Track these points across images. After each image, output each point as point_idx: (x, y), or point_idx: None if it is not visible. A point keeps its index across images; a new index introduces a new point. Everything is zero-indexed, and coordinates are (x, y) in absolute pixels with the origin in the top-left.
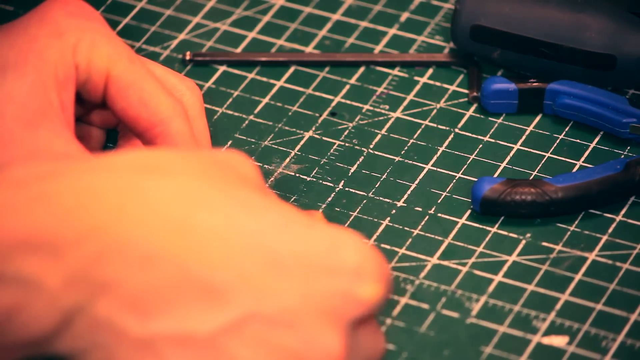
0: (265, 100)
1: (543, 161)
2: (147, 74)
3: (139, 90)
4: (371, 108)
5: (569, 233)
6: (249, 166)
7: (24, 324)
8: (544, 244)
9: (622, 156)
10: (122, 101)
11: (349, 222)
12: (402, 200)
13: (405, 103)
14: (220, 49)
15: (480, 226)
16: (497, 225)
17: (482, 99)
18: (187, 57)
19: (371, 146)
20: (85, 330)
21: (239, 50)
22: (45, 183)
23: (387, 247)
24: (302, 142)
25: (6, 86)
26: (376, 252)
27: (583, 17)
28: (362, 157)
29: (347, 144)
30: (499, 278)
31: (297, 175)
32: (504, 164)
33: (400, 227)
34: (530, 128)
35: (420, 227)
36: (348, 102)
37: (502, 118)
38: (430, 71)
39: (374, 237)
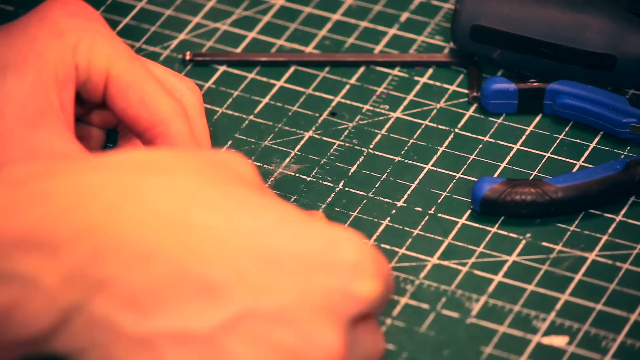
0: (265, 100)
1: (543, 161)
2: (147, 74)
3: (139, 90)
4: (371, 108)
5: (569, 233)
6: (246, 166)
7: (22, 322)
8: (544, 244)
9: (622, 156)
10: (122, 101)
11: (349, 222)
12: (402, 200)
13: (405, 103)
14: (220, 49)
15: (480, 226)
16: (497, 225)
17: (482, 99)
18: (187, 57)
19: (371, 146)
20: (83, 329)
21: (239, 50)
22: (43, 182)
23: (387, 247)
24: (302, 142)
25: (6, 86)
26: (374, 249)
27: (583, 17)
28: (362, 157)
29: (347, 144)
30: (499, 278)
31: (297, 175)
32: (504, 164)
33: (400, 227)
34: (530, 128)
35: (420, 227)
36: (348, 102)
37: (502, 118)
38: (430, 71)
39: (374, 237)
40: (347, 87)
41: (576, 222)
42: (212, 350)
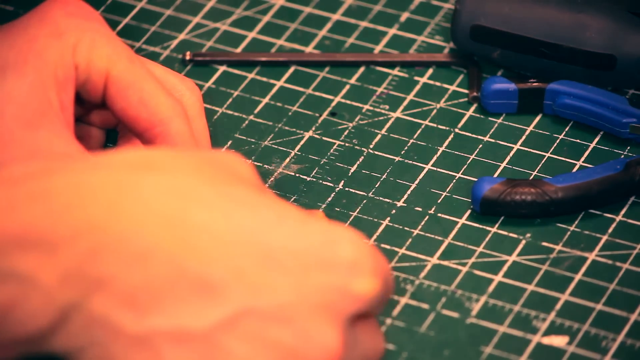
0: (265, 100)
1: (543, 161)
2: (147, 74)
3: (139, 90)
4: (371, 108)
5: (569, 233)
6: (245, 166)
7: (20, 321)
8: (544, 244)
9: (622, 156)
10: (122, 101)
11: (349, 222)
12: (402, 200)
13: (405, 103)
14: (220, 49)
15: (480, 226)
16: (497, 225)
17: (482, 99)
18: (187, 57)
19: (371, 146)
20: (81, 328)
21: (239, 50)
22: (41, 180)
23: (387, 247)
24: (302, 142)
25: (6, 86)
26: (373, 247)
27: (583, 17)
28: (362, 157)
29: (347, 144)
30: (499, 278)
31: (297, 175)
32: (504, 164)
33: (400, 227)
34: (530, 128)
35: (420, 227)
36: (348, 102)
37: (502, 118)
38: (430, 71)
39: (374, 237)
40: (347, 87)
41: (576, 222)
42: (210, 348)
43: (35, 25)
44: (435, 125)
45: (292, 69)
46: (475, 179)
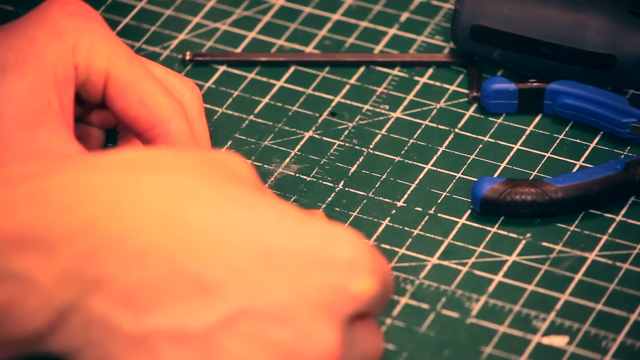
0: (265, 100)
1: (543, 161)
2: (147, 75)
3: (139, 90)
4: (371, 108)
5: (569, 233)
6: (244, 165)
7: (18, 320)
8: (544, 244)
9: (622, 156)
10: (122, 102)
11: (349, 222)
12: (402, 200)
13: (405, 103)
14: (220, 49)
15: (480, 226)
16: (497, 225)
17: (482, 99)
18: (187, 57)
19: (371, 146)
20: (79, 328)
21: (239, 50)
22: (39, 180)
23: (387, 247)
24: (302, 142)
25: (5, 86)
26: (372, 247)
27: (583, 17)
28: (362, 157)
29: (347, 144)
30: (499, 278)
31: (297, 175)
32: (504, 164)
33: (400, 227)
34: (530, 128)
35: (420, 227)
36: (348, 102)
37: (502, 118)
38: (430, 71)
39: (374, 237)
40: (347, 87)
41: (576, 222)
42: (208, 348)
43: (34, 26)
44: (435, 125)
45: (292, 69)
46: (475, 179)
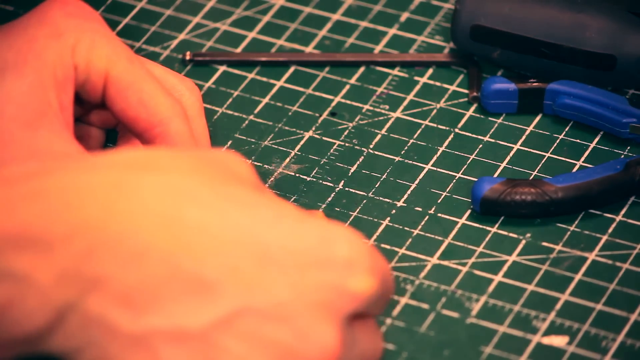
0: (265, 100)
1: (543, 161)
2: (146, 75)
3: (138, 90)
4: (371, 108)
5: (569, 233)
6: (243, 165)
7: (17, 320)
8: (544, 244)
9: (622, 156)
10: (122, 102)
11: (349, 222)
12: (402, 200)
13: (405, 103)
14: (220, 49)
15: (480, 226)
16: (497, 225)
17: (482, 99)
18: (187, 57)
19: (371, 146)
20: (78, 327)
21: (239, 50)
22: (38, 180)
23: (387, 247)
24: (302, 142)
25: (5, 87)
26: (371, 247)
27: (583, 17)
28: (362, 157)
29: (347, 144)
30: (499, 278)
31: (297, 175)
32: (504, 164)
33: (400, 227)
34: (530, 128)
35: (420, 227)
36: (348, 102)
37: (502, 118)
38: (430, 71)
39: (374, 237)
40: (347, 87)
41: (576, 222)
42: (207, 347)
43: (34, 26)
44: (435, 125)
45: (292, 69)
46: (475, 179)
